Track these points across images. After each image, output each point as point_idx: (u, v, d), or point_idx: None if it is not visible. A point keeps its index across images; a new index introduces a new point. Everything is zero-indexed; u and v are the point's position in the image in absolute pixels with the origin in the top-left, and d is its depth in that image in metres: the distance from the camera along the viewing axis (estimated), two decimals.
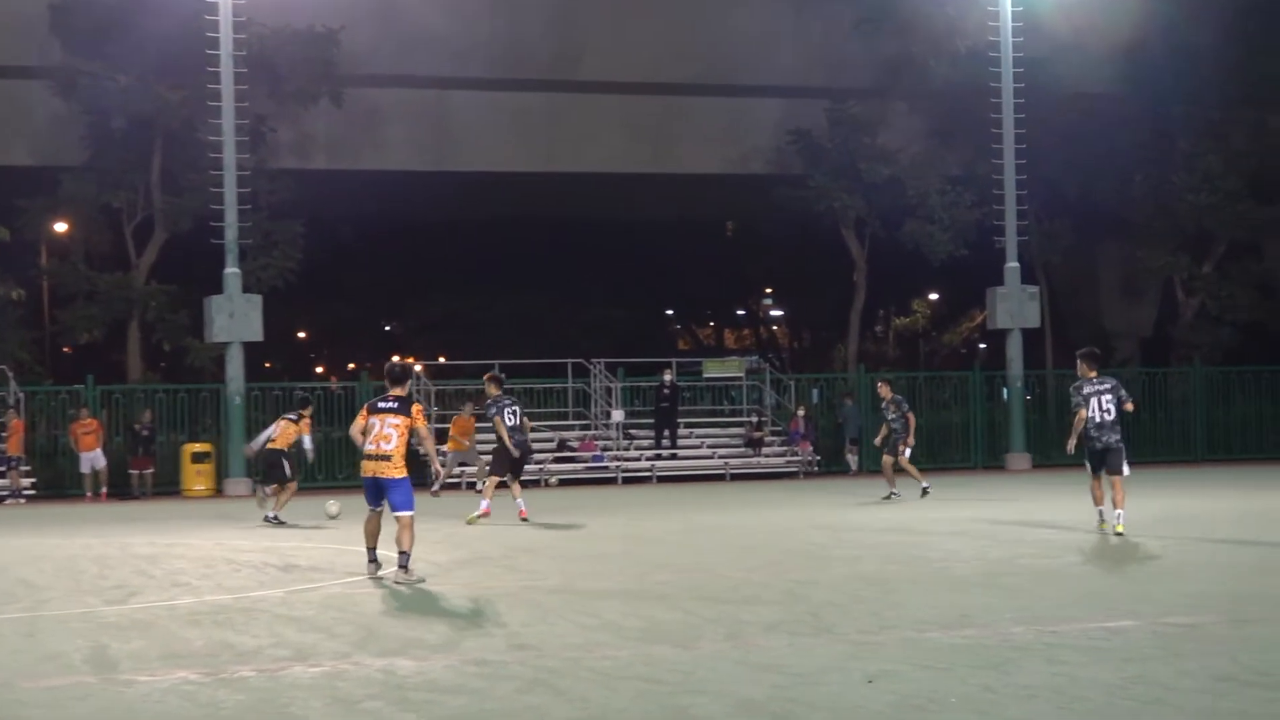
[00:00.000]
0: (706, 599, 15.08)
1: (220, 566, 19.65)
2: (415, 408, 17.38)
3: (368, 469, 17.26)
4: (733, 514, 28.51)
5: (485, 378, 27.78)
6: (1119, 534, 20.99)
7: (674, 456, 43.04)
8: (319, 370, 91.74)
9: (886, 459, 30.97)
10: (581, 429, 43.88)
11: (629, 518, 27.43)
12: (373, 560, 17.62)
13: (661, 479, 41.64)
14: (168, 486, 40.16)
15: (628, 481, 41.26)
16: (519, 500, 26.60)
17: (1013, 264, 45.40)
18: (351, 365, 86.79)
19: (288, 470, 28.28)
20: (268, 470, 28.80)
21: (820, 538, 22.27)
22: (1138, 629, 12.65)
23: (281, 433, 28.56)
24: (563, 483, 40.09)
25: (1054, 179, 48.89)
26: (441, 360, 58.07)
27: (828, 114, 50.13)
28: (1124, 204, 51.43)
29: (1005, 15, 44.73)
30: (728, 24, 50.93)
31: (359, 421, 17.52)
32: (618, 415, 43.24)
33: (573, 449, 42.31)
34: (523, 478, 27.76)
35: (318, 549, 21.88)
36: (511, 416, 26.42)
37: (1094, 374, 21.89)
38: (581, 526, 25.44)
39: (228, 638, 13.16)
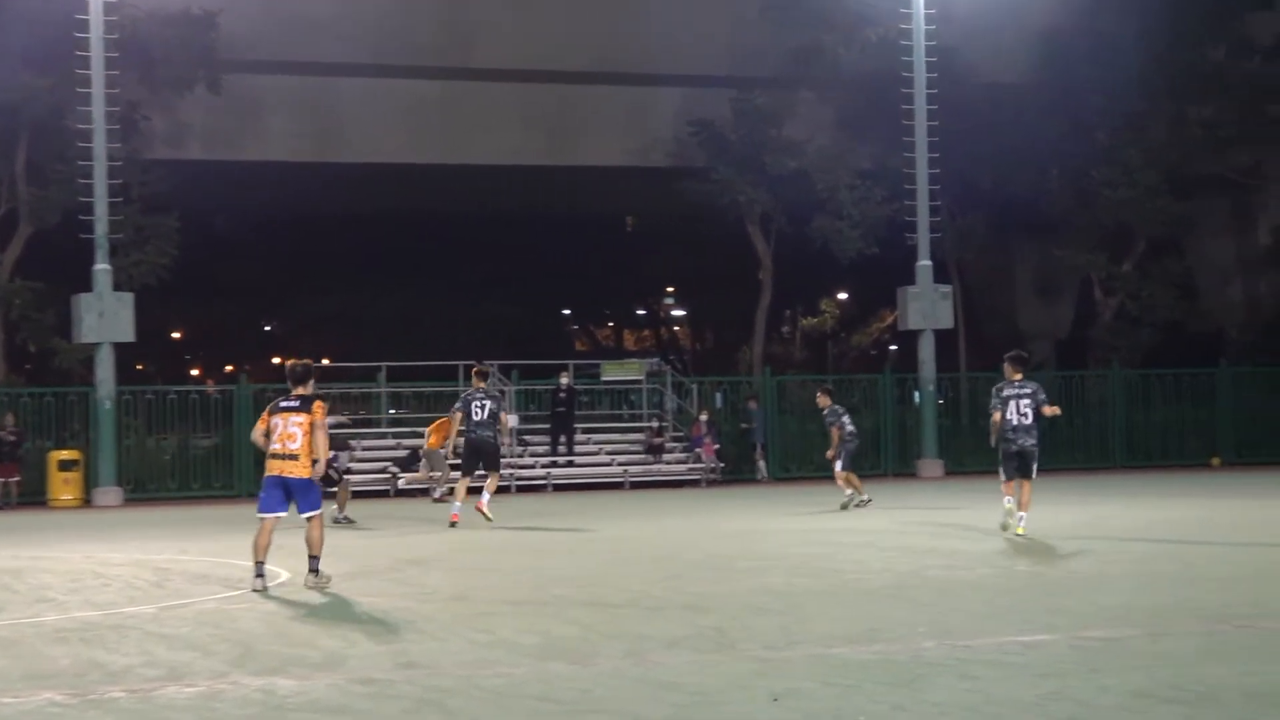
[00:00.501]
0: (605, 613, 15.08)
1: (89, 581, 19.45)
2: (316, 404, 17.76)
3: (274, 468, 17.62)
4: (632, 524, 28.53)
5: (473, 371, 28.69)
6: (1020, 535, 22.37)
7: (570, 464, 43.03)
8: (195, 373, 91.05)
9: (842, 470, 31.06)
10: None
11: (524, 528, 27.39)
12: (259, 575, 17.62)
13: (558, 487, 41.60)
14: (33, 496, 39.72)
15: (522, 490, 41.19)
16: (457, 502, 27.82)
17: (925, 262, 45.66)
18: (229, 367, 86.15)
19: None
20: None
21: (724, 549, 22.31)
22: (1054, 643, 12.74)
23: None
24: (452, 491, 39.84)
25: (968, 173, 49.15)
26: (325, 362, 57.78)
27: (732, 104, 50.22)
28: (1040, 199, 51.83)
29: (917, 2, 44.97)
30: (629, 10, 50.98)
31: (260, 425, 17.96)
32: (511, 420, 43.09)
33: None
34: (419, 485, 28.16)
35: (193, 561, 21.72)
36: (479, 411, 27.44)
37: (1019, 376, 23.14)
38: (473, 537, 25.38)
39: (97, 656, 13.02)
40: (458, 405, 28.18)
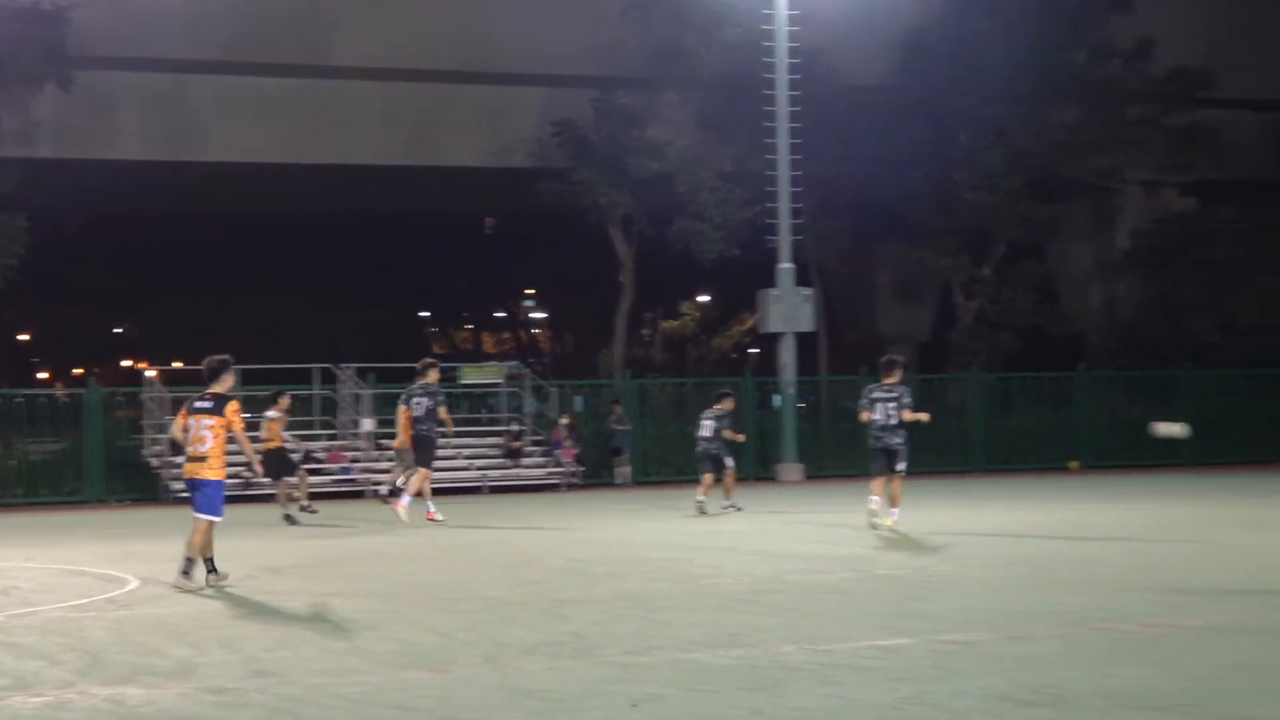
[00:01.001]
0: (462, 619, 15.05)
1: None
2: (230, 406, 18.04)
3: (187, 470, 18.11)
4: (490, 529, 28.45)
5: (421, 365, 29.69)
6: (890, 529, 23.74)
7: None
8: (42, 376, 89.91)
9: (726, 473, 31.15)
10: (329, 439, 43.48)
11: (379, 533, 27.26)
12: (212, 571, 18.16)
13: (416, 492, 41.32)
14: None
15: (378, 494, 40.91)
16: (429, 503, 29.02)
17: (785, 265, 45.85)
18: (78, 370, 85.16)
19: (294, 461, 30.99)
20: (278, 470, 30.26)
21: (583, 553, 22.32)
22: (912, 647, 12.85)
23: (269, 431, 30.52)
24: (309, 496, 39.54)
25: (830, 176, 49.39)
26: (178, 365, 57.20)
27: (594, 105, 50.25)
28: (902, 202, 52.15)
29: (779, 3, 45.17)
30: (490, 8, 50.90)
31: (178, 422, 18.35)
32: (367, 424, 42.88)
33: (319, 460, 41.89)
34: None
35: (39, 569, 21.44)
36: (417, 407, 28.70)
37: (891, 380, 24.61)
38: (328, 543, 25.25)
39: None
40: (401, 400, 29.37)
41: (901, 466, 24.50)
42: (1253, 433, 49.36)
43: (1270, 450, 48.54)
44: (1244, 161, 56.42)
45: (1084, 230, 59.65)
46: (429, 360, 30.01)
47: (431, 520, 28.30)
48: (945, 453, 47.37)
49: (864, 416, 24.69)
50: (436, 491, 39.65)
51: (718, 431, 30.77)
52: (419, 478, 28.97)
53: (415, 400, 28.73)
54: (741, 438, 32.12)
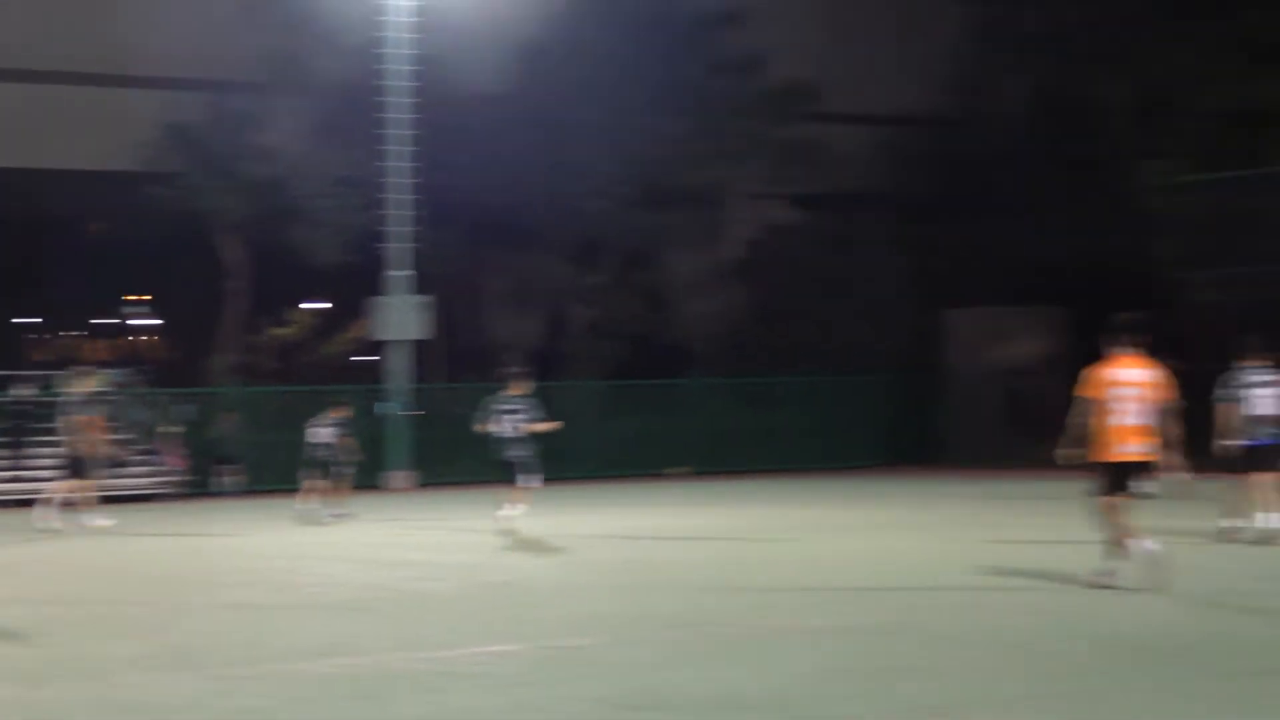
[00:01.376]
0: (62, 633, 14.68)
1: None
2: None
3: None
4: (91, 539, 27.79)
5: (74, 371, 30.48)
6: (506, 530, 24.07)
7: (18, 479, 41.43)
8: None
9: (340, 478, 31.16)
10: None
11: None
12: None
13: (15, 503, 40.11)
14: None
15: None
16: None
17: (398, 272, 45.66)
18: None
19: None
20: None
21: (188, 563, 21.97)
22: (520, 653, 12.90)
23: None
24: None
25: (448, 183, 49.20)
26: None
27: (208, 109, 49.47)
28: (517, 210, 52.31)
29: (395, 10, 44.98)
30: (101, 7, 49.79)
31: None
32: None
33: None
34: None
35: None
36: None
37: (519, 392, 25.05)
38: None
39: None
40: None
41: (524, 479, 24.63)
42: (851, 437, 50.60)
43: (868, 454, 49.83)
44: (849, 174, 57.86)
45: (694, 240, 60.43)
46: (77, 369, 30.25)
47: (42, 526, 27.84)
48: (556, 460, 47.29)
49: (481, 428, 24.87)
50: (29, 504, 38.62)
51: (335, 439, 30.76)
52: (72, 486, 28.91)
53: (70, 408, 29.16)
54: (361, 457, 32.22)
